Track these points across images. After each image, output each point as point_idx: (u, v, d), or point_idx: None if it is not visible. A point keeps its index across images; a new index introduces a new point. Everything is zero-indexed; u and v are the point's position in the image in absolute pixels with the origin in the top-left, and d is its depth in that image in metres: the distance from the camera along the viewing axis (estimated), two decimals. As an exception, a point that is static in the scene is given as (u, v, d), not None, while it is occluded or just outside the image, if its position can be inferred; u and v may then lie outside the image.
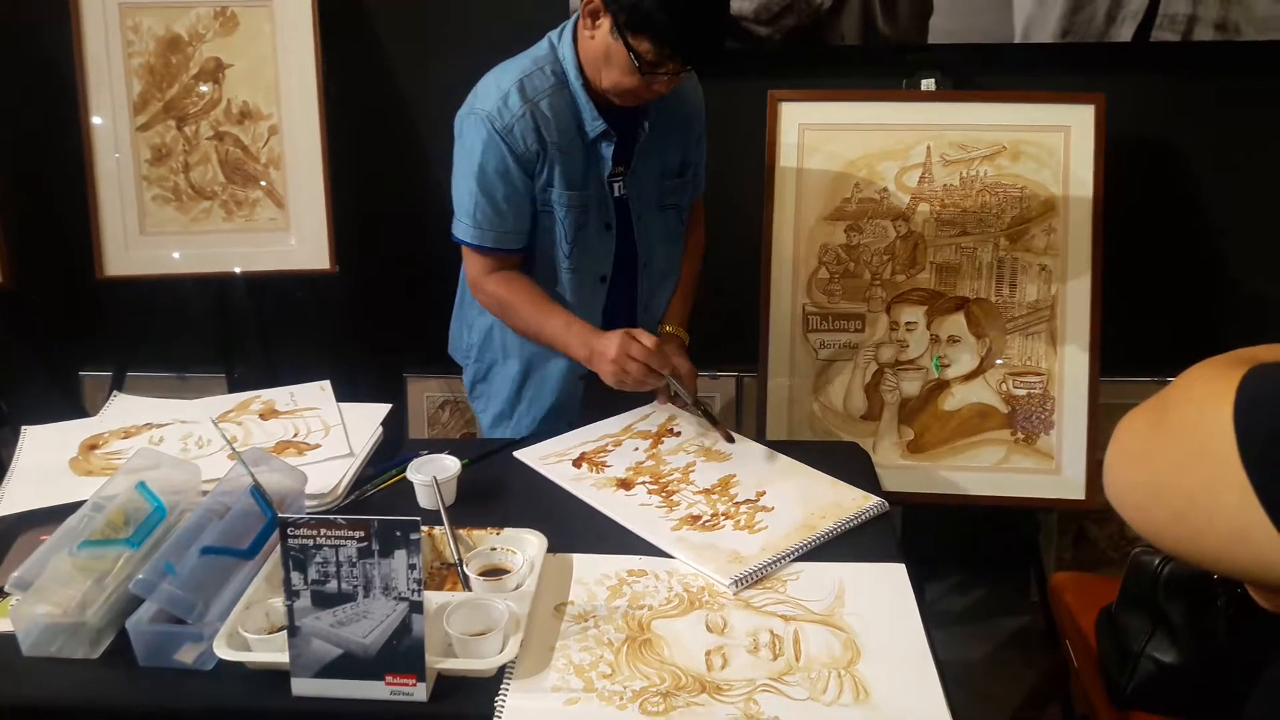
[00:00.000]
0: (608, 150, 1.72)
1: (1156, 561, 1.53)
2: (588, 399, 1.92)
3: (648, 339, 1.64)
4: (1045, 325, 2.17)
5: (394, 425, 1.75)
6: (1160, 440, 0.62)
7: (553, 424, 1.86)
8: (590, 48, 1.62)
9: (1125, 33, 2.30)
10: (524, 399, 1.91)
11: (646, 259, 1.87)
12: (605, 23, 1.56)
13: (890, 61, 2.36)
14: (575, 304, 1.82)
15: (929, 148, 2.19)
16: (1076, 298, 2.16)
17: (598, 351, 1.67)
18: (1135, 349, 2.37)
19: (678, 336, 1.90)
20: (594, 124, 1.69)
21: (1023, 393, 2.17)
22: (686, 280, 1.96)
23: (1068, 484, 2.16)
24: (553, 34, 1.71)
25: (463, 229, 1.73)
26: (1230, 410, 0.56)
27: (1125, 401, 0.67)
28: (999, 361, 2.18)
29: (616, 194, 1.78)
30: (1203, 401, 0.59)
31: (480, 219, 1.70)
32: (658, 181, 1.82)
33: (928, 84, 2.31)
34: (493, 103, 1.65)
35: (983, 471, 2.18)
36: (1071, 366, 2.16)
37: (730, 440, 1.69)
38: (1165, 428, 0.62)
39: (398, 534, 1.09)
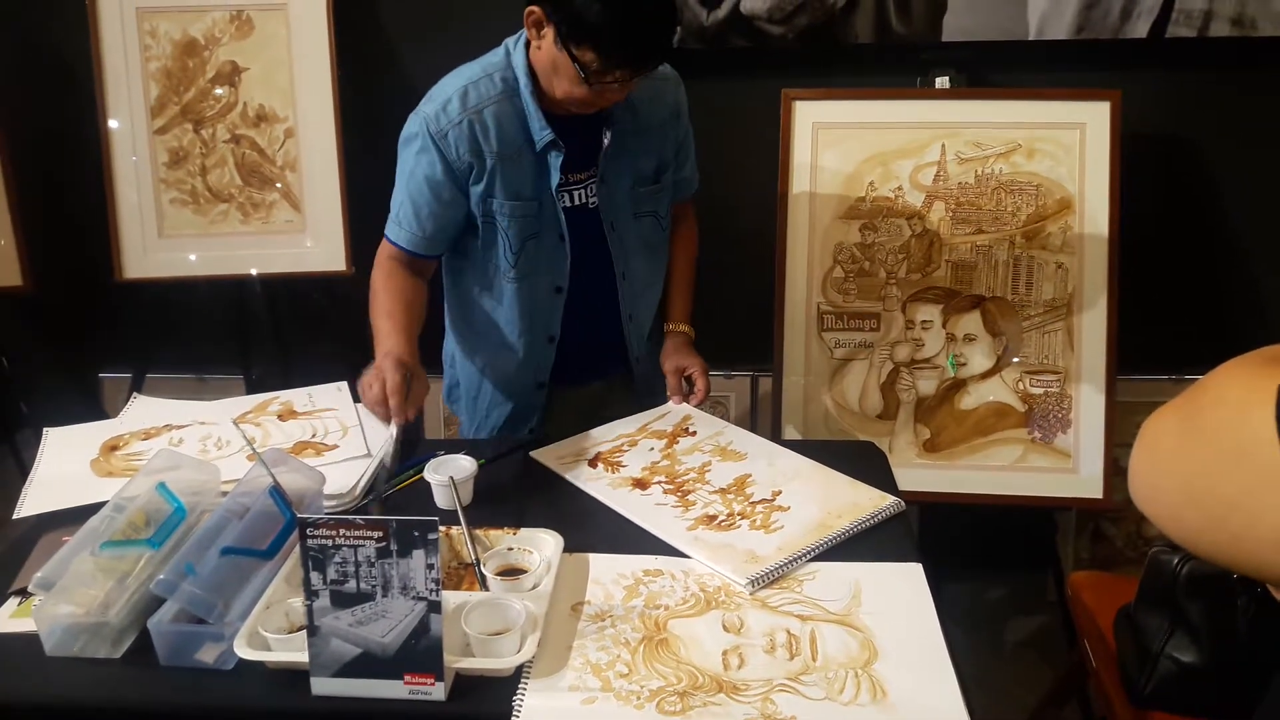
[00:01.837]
0: (555, 160, 1.67)
1: (1175, 561, 1.52)
2: (560, 410, 1.91)
3: (393, 376, 1.61)
4: (1062, 323, 2.17)
5: (410, 426, 1.75)
6: (1194, 443, 0.61)
7: (513, 433, 1.87)
8: (539, 59, 1.58)
9: (1141, 29, 2.29)
10: (479, 410, 1.92)
11: (624, 269, 1.82)
12: (549, 33, 1.52)
13: (904, 60, 2.36)
14: (526, 315, 1.79)
15: (944, 146, 2.18)
16: (1093, 296, 2.15)
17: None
18: (1152, 347, 2.36)
19: (685, 334, 1.90)
20: (541, 134, 1.64)
21: (1039, 391, 2.17)
22: (683, 275, 1.93)
23: (1085, 483, 2.15)
24: (510, 40, 1.67)
25: (388, 224, 1.73)
26: (1271, 412, 0.55)
27: (1143, 400, 0.67)
28: (1015, 360, 2.18)
29: (572, 204, 1.73)
30: (1240, 403, 0.58)
31: (401, 216, 1.70)
32: (630, 189, 1.77)
33: (942, 82, 2.30)
34: (434, 107, 1.64)
35: (1000, 470, 2.18)
36: (1088, 365, 2.15)
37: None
38: (1199, 430, 0.60)
39: (416, 534, 1.10)
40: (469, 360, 1.91)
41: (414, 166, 1.66)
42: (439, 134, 1.63)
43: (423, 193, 1.67)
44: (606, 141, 1.69)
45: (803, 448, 1.68)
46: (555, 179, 1.68)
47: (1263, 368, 0.58)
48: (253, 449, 1.58)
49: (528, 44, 1.62)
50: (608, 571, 1.36)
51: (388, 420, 1.63)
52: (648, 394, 1.90)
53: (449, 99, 1.63)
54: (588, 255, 1.77)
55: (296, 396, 1.82)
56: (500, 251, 1.73)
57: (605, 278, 1.81)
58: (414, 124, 1.67)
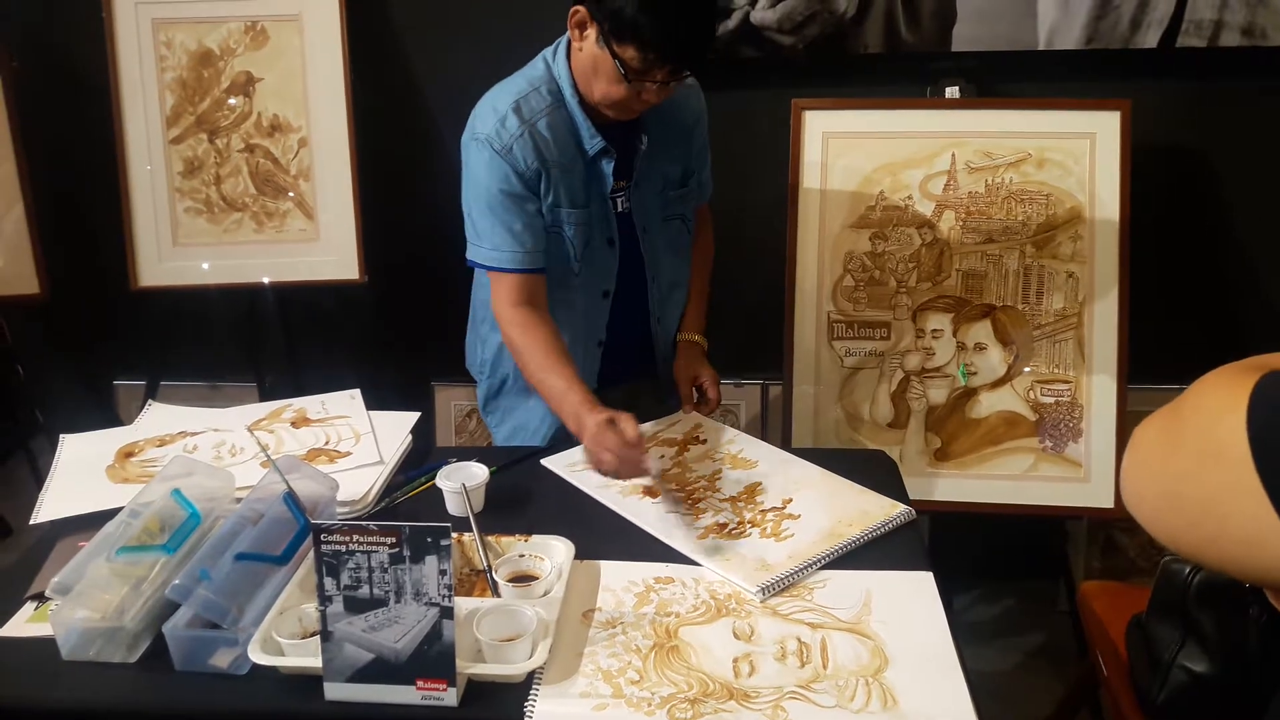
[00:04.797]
0: (608, 166, 1.70)
1: (1187, 570, 1.52)
2: None
3: (630, 428, 1.50)
4: (1072, 333, 2.17)
5: (422, 433, 1.76)
6: (1175, 447, 0.63)
7: (565, 439, 1.86)
8: (580, 60, 1.61)
9: (1150, 39, 2.29)
10: (535, 415, 1.89)
11: (654, 272, 1.85)
12: (592, 32, 1.55)
13: (914, 69, 2.36)
14: (580, 320, 1.81)
15: (954, 155, 2.19)
16: (1104, 305, 2.15)
17: (582, 430, 1.57)
18: (1163, 356, 2.35)
19: (697, 344, 1.90)
20: (592, 141, 1.67)
21: (1050, 400, 2.16)
22: (699, 286, 1.95)
23: (1096, 492, 2.14)
24: (546, 52, 1.69)
25: (482, 254, 1.70)
26: (1244, 417, 0.57)
27: (1153, 410, 0.68)
28: (1026, 369, 2.18)
29: (619, 209, 1.76)
30: (1216, 409, 0.60)
31: (499, 242, 1.68)
32: (661, 193, 1.81)
33: (952, 91, 2.31)
34: (491, 126, 1.64)
35: (1010, 480, 2.17)
36: (1099, 374, 2.15)
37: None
38: (1179, 435, 0.63)
39: (429, 540, 1.11)
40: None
41: (488, 187, 1.65)
42: (504, 150, 1.63)
43: (508, 208, 1.66)
44: (644, 146, 1.73)
45: (813, 456, 1.68)
46: (609, 183, 1.72)
47: (1241, 375, 0.60)
48: (267, 456, 1.59)
49: (567, 54, 1.65)
50: (619, 578, 1.37)
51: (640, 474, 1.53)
52: (672, 396, 1.91)
53: (504, 115, 1.64)
54: (622, 259, 1.81)
55: (310, 404, 1.83)
56: (568, 259, 1.74)
57: (636, 281, 1.84)
58: (474, 150, 1.67)
